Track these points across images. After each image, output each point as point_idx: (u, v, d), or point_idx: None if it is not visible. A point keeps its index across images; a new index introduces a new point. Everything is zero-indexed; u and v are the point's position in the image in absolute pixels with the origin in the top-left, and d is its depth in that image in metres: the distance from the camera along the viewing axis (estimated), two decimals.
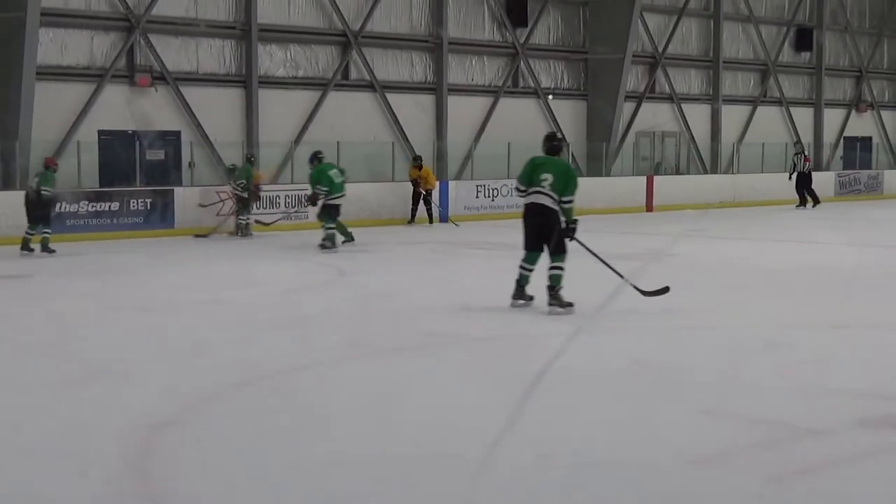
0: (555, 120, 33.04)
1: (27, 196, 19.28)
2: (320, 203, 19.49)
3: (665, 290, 13.00)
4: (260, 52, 26.72)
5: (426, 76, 30.56)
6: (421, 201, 25.12)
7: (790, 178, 31.40)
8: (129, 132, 24.96)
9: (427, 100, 30.41)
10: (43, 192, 18.99)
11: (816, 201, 31.06)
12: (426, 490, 6.55)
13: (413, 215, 25.06)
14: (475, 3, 31.46)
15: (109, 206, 22.39)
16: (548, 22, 33.14)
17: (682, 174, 35.04)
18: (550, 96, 33.19)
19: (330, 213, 19.88)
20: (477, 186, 28.11)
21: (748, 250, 21.02)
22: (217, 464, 7.16)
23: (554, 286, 12.78)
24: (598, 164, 32.71)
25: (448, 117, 30.55)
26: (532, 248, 13.05)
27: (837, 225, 24.70)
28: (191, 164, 25.49)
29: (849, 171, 38.68)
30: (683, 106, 36.46)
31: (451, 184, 27.69)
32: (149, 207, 22.15)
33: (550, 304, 12.70)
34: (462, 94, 31.19)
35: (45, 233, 19.15)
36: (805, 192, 31.12)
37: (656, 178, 32.02)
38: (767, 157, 35.81)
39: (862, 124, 43.33)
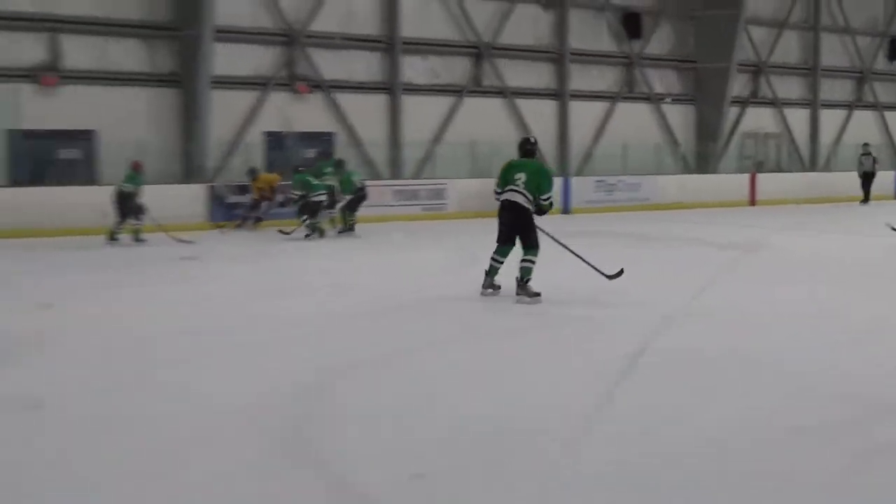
0: (666, 123, 33.11)
1: (115, 194, 18.88)
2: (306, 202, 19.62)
3: (621, 271, 12.84)
4: (403, 63, 27.04)
5: (550, 83, 30.46)
6: None
7: (859, 175, 30.86)
8: (288, 133, 25.52)
9: (551, 105, 30.28)
10: (123, 188, 18.80)
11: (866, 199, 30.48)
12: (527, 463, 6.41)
13: None
14: (595, 18, 31.37)
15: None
16: (660, 34, 32.97)
17: (783, 172, 34.67)
18: (670, 100, 33.10)
19: (310, 209, 19.80)
20: (596, 182, 28.13)
21: (839, 242, 20.43)
22: (345, 427, 7.24)
23: (523, 277, 12.54)
24: (706, 163, 32.51)
25: (570, 120, 30.37)
26: (504, 243, 12.88)
27: None
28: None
29: None
30: (784, 110, 35.94)
31: (573, 179, 27.80)
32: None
33: (518, 294, 12.48)
34: (582, 99, 30.99)
35: (136, 224, 18.92)
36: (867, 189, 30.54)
37: (758, 176, 31.75)
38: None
39: None
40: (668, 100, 33.32)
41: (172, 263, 16.74)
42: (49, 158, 22.07)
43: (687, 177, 31.69)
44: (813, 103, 37.11)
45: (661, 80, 33.41)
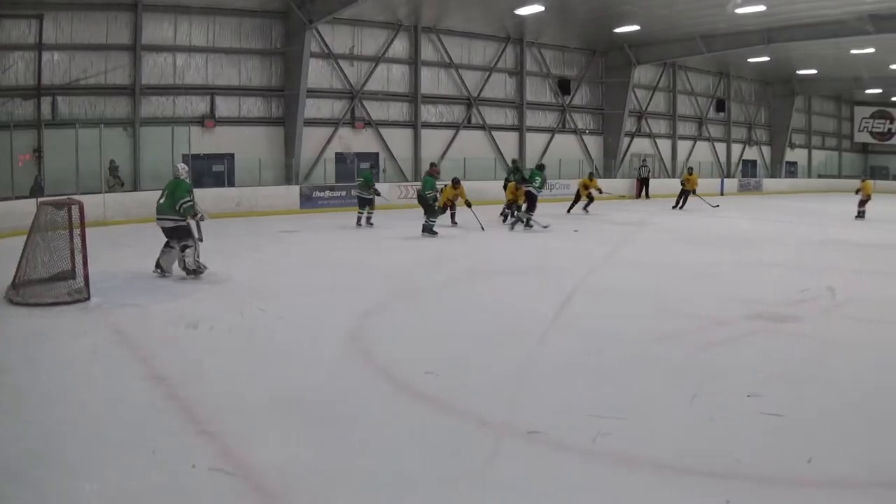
0: (586, 148, 32.62)
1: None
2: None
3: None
4: (422, 109, 26.99)
5: (514, 121, 30.06)
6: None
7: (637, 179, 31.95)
8: (349, 154, 25.40)
9: (514, 136, 29.88)
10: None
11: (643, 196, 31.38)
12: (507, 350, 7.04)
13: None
14: (542, 81, 30.85)
15: (340, 193, 23.09)
16: (582, 93, 32.45)
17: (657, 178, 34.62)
18: (587, 131, 33.09)
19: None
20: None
21: (690, 219, 21.15)
22: (398, 333, 7.74)
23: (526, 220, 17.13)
24: (609, 172, 32.41)
25: (526, 145, 30.09)
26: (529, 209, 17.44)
27: (742, 210, 24.63)
28: (384, 171, 25.93)
29: (746, 179, 38.80)
30: (657, 140, 36.05)
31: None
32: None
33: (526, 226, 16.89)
34: (534, 132, 30.56)
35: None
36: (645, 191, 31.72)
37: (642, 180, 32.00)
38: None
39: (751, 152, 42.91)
40: (587, 132, 33.10)
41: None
42: (208, 171, 21.96)
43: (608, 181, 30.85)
44: (673, 136, 37.10)
45: (583, 121, 32.97)
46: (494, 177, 26.47)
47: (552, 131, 31.53)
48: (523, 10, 23.71)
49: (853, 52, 30.41)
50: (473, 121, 28.70)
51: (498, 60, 29.08)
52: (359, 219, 17.97)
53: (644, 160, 34.05)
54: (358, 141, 25.58)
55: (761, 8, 22.63)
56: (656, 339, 7.49)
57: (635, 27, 27.15)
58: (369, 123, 25.80)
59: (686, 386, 5.99)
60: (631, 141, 34.81)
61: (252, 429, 5.03)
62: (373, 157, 25.78)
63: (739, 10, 22.85)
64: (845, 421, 5.40)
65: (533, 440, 4.90)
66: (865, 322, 8.45)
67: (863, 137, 50.75)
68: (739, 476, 4.44)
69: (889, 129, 49.60)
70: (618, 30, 27.62)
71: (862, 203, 22.27)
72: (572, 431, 5.01)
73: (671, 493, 4.30)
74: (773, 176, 42.03)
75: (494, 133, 29.39)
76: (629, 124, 34.09)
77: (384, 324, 8.18)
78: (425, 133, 27.15)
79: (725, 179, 36.57)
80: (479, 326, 7.97)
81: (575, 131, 32.50)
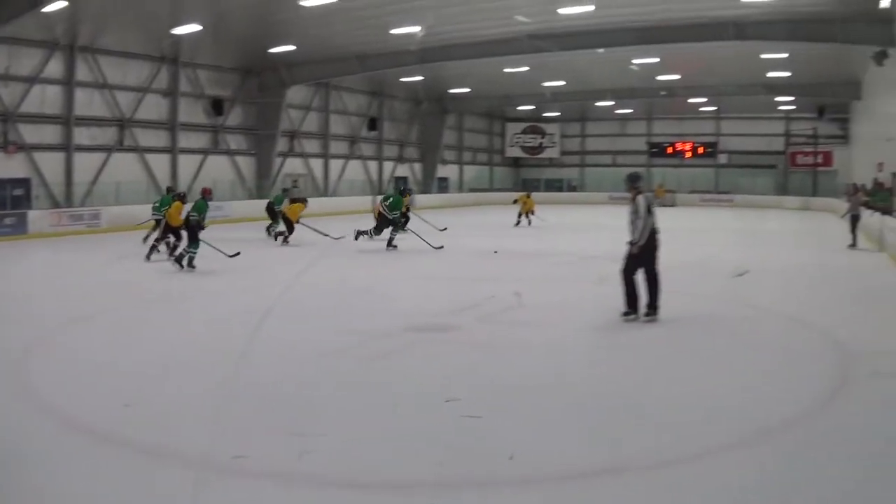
0: (238, 169, 34.96)
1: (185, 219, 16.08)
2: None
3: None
4: (75, 132, 27.69)
5: (168, 143, 31.62)
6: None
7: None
8: None
9: (166, 158, 31.56)
10: (191, 216, 15.44)
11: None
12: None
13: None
14: (195, 102, 32.81)
15: None
16: (235, 113, 34.79)
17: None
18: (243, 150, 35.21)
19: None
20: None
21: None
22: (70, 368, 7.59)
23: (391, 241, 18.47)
24: (264, 192, 34.03)
25: (179, 168, 31.66)
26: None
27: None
28: (37, 197, 26.45)
29: None
30: (309, 160, 39.27)
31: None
32: None
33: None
34: (188, 154, 32.36)
35: (191, 251, 15.42)
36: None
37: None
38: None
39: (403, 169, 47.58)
40: (240, 152, 35.27)
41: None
42: None
43: (255, 201, 32.29)
44: (325, 156, 40.85)
45: (236, 141, 35.26)
46: (146, 200, 26.62)
47: (205, 153, 33.78)
48: (180, 30, 25.95)
49: (507, 70, 36.03)
50: (126, 143, 30.30)
51: (153, 81, 31.09)
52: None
53: (295, 181, 38.07)
54: (9, 166, 25.99)
55: (417, 28, 26.00)
56: (321, 355, 7.95)
57: (291, 47, 30.04)
58: (22, 147, 26.44)
59: (368, 397, 6.49)
60: (284, 161, 38.14)
61: None
62: (23, 184, 26.38)
63: (393, 31, 26.41)
64: (541, 419, 5.95)
65: (239, 464, 4.91)
66: (521, 325, 9.74)
67: (514, 152, 60.41)
68: (442, 483, 4.69)
69: (540, 144, 59.44)
70: (273, 49, 30.46)
71: (523, 215, 27.59)
72: (276, 452, 5.16)
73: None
74: (425, 192, 47.44)
75: (147, 156, 31.14)
76: (282, 144, 37.19)
77: (52, 359, 8.01)
78: (78, 157, 28.25)
79: (378, 197, 40.72)
80: (159, 355, 8.08)
81: (228, 152, 34.97)
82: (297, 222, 21.21)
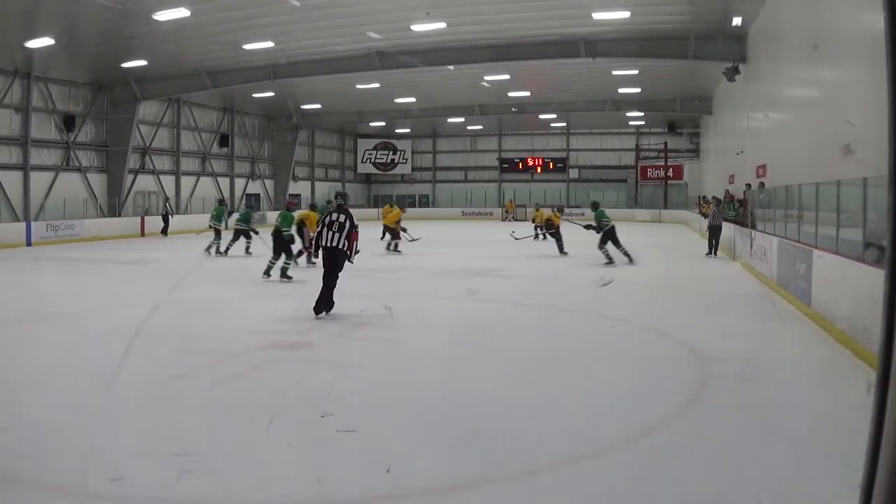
0: (90, 187, 34.72)
1: (274, 231, 16.47)
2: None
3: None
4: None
5: (11, 160, 31.00)
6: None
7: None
8: None
9: (18, 175, 31.01)
10: (284, 232, 16.28)
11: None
12: None
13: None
14: (47, 118, 32.61)
15: None
16: (87, 129, 34.70)
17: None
18: (94, 169, 35.27)
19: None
20: (47, 224, 28.88)
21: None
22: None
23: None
24: (114, 210, 34.92)
25: (31, 185, 31.24)
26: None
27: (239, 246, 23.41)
28: None
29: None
30: (161, 177, 39.54)
31: (33, 223, 28.45)
32: None
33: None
34: (39, 171, 32.01)
35: (286, 263, 16.28)
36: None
37: (146, 218, 35.06)
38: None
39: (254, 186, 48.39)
40: (91, 169, 35.16)
41: None
42: None
43: (107, 220, 34.03)
44: (177, 173, 41.27)
45: (87, 158, 35.22)
46: None
47: (57, 170, 33.69)
48: (33, 43, 25.79)
49: (359, 86, 36.96)
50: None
51: (5, 96, 30.89)
52: None
53: (167, 200, 38.50)
54: None
55: (269, 44, 26.78)
56: (178, 376, 7.71)
57: (142, 62, 30.28)
58: None
59: (238, 415, 6.39)
60: (135, 178, 38.29)
61: None
62: None
63: (246, 46, 27.10)
64: (410, 431, 6.02)
65: (118, 488, 4.77)
66: (377, 342, 9.71)
67: (366, 168, 61.55)
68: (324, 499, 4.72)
69: (392, 160, 60.99)
70: (125, 64, 30.56)
71: (539, 228, 26.96)
72: (153, 473, 5.03)
73: None
74: (276, 209, 47.10)
75: None
76: (133, 161, 37.35)
77: None
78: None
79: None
80: (20, 377, 7.85)
81: (80, 169, 34.93)
82: (397, 227, 23.76)
